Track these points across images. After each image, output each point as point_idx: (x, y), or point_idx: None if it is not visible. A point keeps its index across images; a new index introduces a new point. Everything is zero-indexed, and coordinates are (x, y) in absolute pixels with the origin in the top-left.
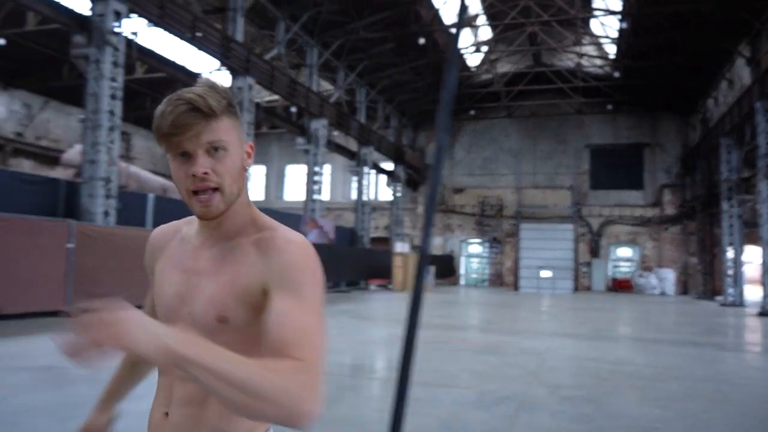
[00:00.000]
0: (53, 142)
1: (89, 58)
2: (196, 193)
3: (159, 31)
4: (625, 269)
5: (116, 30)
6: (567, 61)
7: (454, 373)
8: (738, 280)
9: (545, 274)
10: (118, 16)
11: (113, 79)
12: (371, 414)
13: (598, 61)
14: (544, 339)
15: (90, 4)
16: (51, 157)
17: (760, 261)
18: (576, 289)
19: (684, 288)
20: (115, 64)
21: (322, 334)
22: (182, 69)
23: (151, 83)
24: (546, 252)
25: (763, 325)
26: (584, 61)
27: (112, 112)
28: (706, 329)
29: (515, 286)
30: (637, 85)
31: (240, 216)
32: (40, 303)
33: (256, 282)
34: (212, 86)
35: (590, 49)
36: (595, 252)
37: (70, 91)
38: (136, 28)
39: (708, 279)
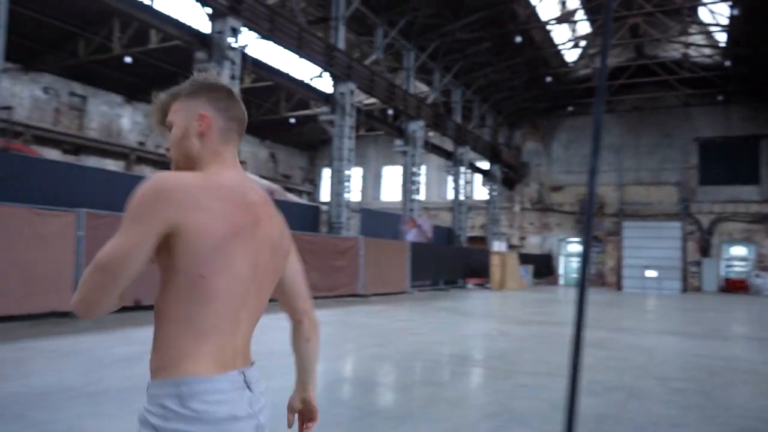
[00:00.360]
0: None
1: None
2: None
3: (266, 43)
4: (739, 269)
5: (233, 45)
6: (672, 51)
7: (561, 364)
8: None
9: (650, 273)
10: (234, 32)
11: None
12: (483, 397)
13: (707, 51)
14: (651, 336)
15: (209, 23)
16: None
17: None
18: (685, 289)
19: None
20: (232, 76)
21: (115, 246)
22: (287, 76)
23: (255, 91)
24: (651, 251)
25: None
26: (691, 51)
27: None
28: None
29: (618, 286)
30: (751, 74)
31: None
32: None
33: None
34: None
35: (698, 38)
36: (705, 251)
37: None
38: (247, 41)
39: None
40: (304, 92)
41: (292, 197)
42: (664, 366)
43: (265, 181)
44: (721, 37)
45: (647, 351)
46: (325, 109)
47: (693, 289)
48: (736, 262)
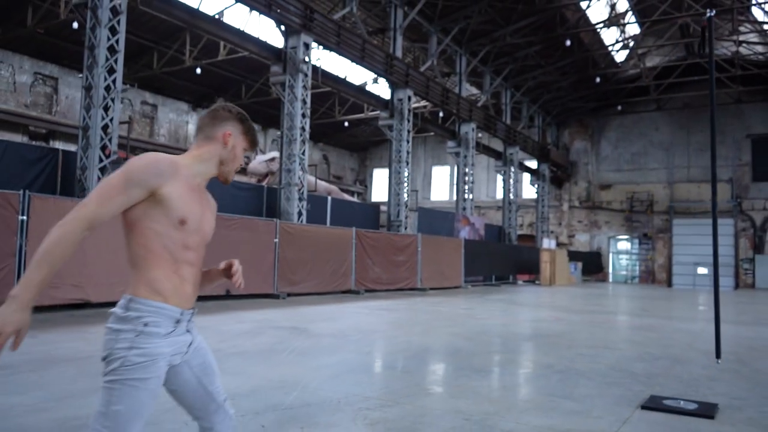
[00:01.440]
0: None
1: (285, 84)
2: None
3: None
4: None
5: (306, 59)
6: (723, 49)
7: (615, 342)
8: None
9: (702, 270)
10: (307, 47)
11: (304, 101)
12: (549, 360)
13: (760, 48)
14: (700, 323)
15: (283, 40)
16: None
17: None
18: (737, 286)
19: None
20: (304, 87)
21: (97, 194)
22: (351, 85)
23: (312, 97)
24: (702, 248)
25: None
26: (743, 49)
27: (303, 128)
28: None
29: (668, 283)
30: None
31: None
32: (255, 287)
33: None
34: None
35: (750, 36)
36: (758, 248)
37: (244, 109)
38: (317, 55)
39: None
40: (366, 99)
41: (347, 197)
42: (708, 344)
43: (324, 183)
44: None
45: (694, 333)
46: (384, 114)
47: (746, 286)
48: None
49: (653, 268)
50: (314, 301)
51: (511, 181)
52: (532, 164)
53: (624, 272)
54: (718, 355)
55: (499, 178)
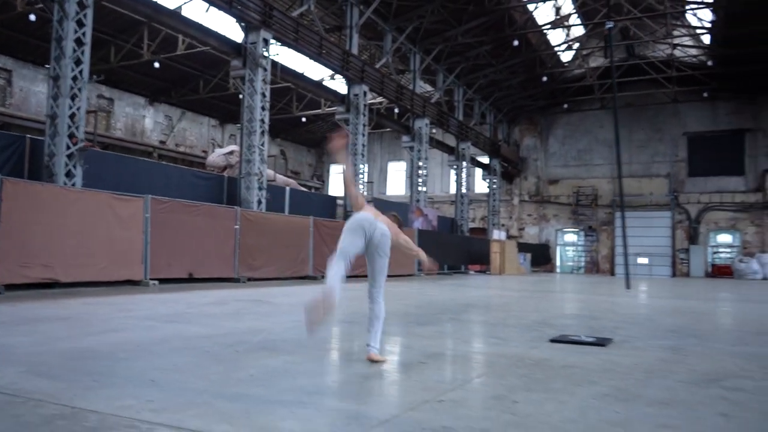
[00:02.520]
0: (189, 147)
1: (245, 78)
2: None
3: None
4: (725, 255)
5: (265, 54)
6: (660, 52)
7: (545, 308)
8: None
9: (642, 260)
10: (266, 43)
11: (263, 94)
12: (486, 318)
13: (693, 51)
14: (624, 297)
15: (243, 35)
16: (188, 161)
17: None
18: (674, 275)
19: None
20: (264, 81)
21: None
22: (309, 80)
23: (270, 92)
24: (643, 239)
25: None
26: (678, 52)
27: (263, 120)
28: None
29: (611, 273)
30: (734, 72)
31: None
32: (217, 271)
33: None
34: None
35: (684, 40)
36: (693, 239)
37: (202, 103)
38: (274, 50)
39: None
40: (323, 94)
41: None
42: (627, 310)
43: (282, 177)
44: (706, 38)
45: (617, 304)
46: (340, 108)
47: (682, 274)
48: (722, 249)
49: (597, 258)
50: (274, 284)
51: (464, 175)
52: (484, 160)
53: (570, 263)
54: (628, 286)
55: (453, 172)
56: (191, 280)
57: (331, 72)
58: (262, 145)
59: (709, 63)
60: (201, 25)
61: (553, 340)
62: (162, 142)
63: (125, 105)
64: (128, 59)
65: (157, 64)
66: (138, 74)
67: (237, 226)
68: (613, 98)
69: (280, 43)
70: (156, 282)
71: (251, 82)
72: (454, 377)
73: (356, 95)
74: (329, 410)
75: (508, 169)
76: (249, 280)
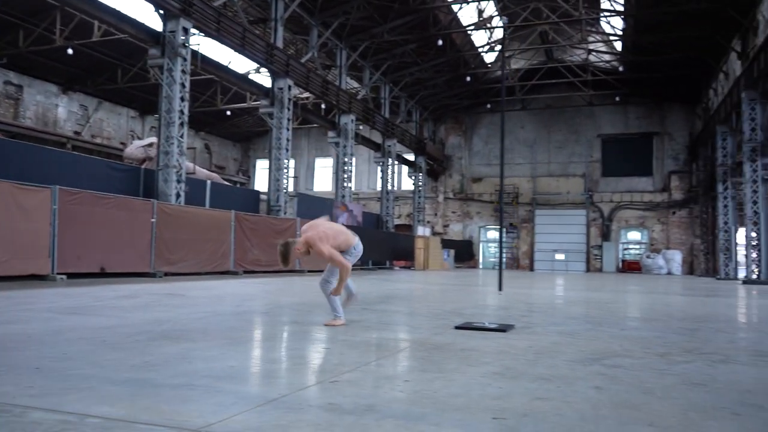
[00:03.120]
0: (106, 139)
1: (163, 67)
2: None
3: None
4: (634, 251)
5: (185, 44)
6: (576, 56)
7: (460, 299)
8: (732, 257)
9: (559, 256)
10: (186, 32)
11: (183, 85)
12: (402, 308)
13: (606, 56)
14: (538, 290)
15: (162, 23)
16: (105, 153)
17: (744, 237)
18: (588, 270)
19: (690, 268)
20: (183, 72)
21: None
22: (232, 73)
23: (192, 84)
24: (560, 236)
25: (739, 288)
26: (592, 57)
27: (182, 111)
28: (682, 288)
29: (531, 268)
30: (643, 78)
31: None
32: (131, 265)
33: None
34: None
35: (599, 45)
36: (605, 236)
37: (121, 93)
38: (196, 40)
39: (710, 258)
40: (246, 87)
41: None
42: (537, 300)
43: (205, 170)
44: (618, 45)
45: (529, 296)
46: (264, 102)
47: (595, 270)
48: (631, 246)
49: (518, 254)
50: (192, 278)
51: (390, 172)
52: (410, 157)
53: (493, 259)
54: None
55: (379, 169)
56: (103, 274)
57: (256, 65)
58: (182, 136)
59: (621, 69)
60: (117, 11)
61: (458, 327)
62: (77, 133)
63: (36, 93)
64: (39, 44)
65: (70, 51)
66: (50, 61)
67: (153, 220)
68: (501, 89)
69: (202, 34)
70: (64, 276)
71: (170, 72)
72: (353, 361)
73: (281, 89)
74: (218, 392)
75: (434, 167)
76: (166, 274)
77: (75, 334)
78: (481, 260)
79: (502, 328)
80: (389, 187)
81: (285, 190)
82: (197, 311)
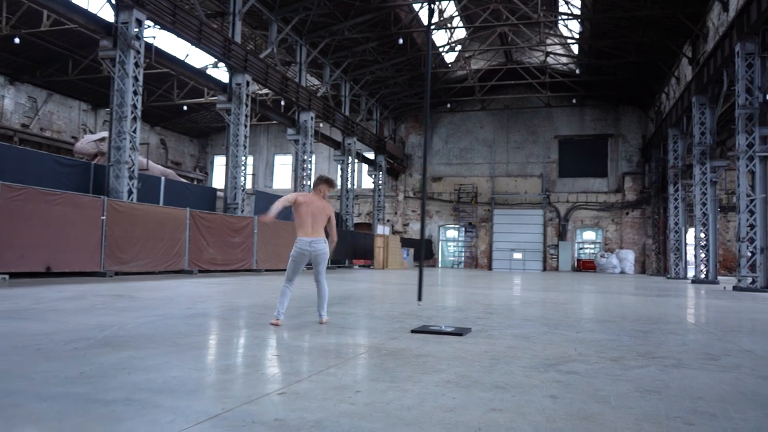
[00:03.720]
0: (56, 133)
1: (115, 59)
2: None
3: (169, 34)
4: (589, 251)
5: (138, 36)
6: (535, 58)
7: (404, 300)
8: (681, 256)
9: (517, 256)
10: (139, 24)
11: (136, 78)
12: (359, 309)
13: (563, 59)
14: (495, 290)
15: (114, 14)
16: (55, 147)
17: (693, 237)
18: (544, 269)
19: (642, 267)
20: (136, 64)
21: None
22: (188, 67)
23: (147, 77)
24: (517, 236)
25: (689, 288)
26: (550, 59)
27: (134, 106)
28: (635, 288)
29: (489, 267)
30: (599, 81)
31: None
32: (80, 264)
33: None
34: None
35: (556, 48)
36: (562, 235)
37: (72, 85)
38: (151, 33)
39: (661, 258)
40: (203, 82)
41: (185, 181)
42: (494, 301)
43: (160, 167)
44: (575, 48)
45: (487, 296)
46: (221, 97)
47: (551, 269)
48: (586, 245)
49: (476, 253)
50: (144, 278)
51: (350, 170)
52: (371, 155)
53: (452, 258)
54: (419, 298)
55: (339, 167)
56: (49, 274)
57: (214, 60)
58: (134, 131)
59: (578, 72)
60: (66, 0)
61: (414, 331)
62: (25, 126)
63: None
64: None
65: (17, 40)
66: None
67: (104, 217)
68: (425, 101)
69: (157, 26)
70: (6, 276)
71: (122, 65)
72: (304, 369)
73: (239, 85)
74: (155, 407)
75: (394, 166)
76: (117, 274)
77: (6, 342)
78: (440, 259)
79: (459, 332)
80: (349, 186)
81: (242, 188)
82: (145, 315)
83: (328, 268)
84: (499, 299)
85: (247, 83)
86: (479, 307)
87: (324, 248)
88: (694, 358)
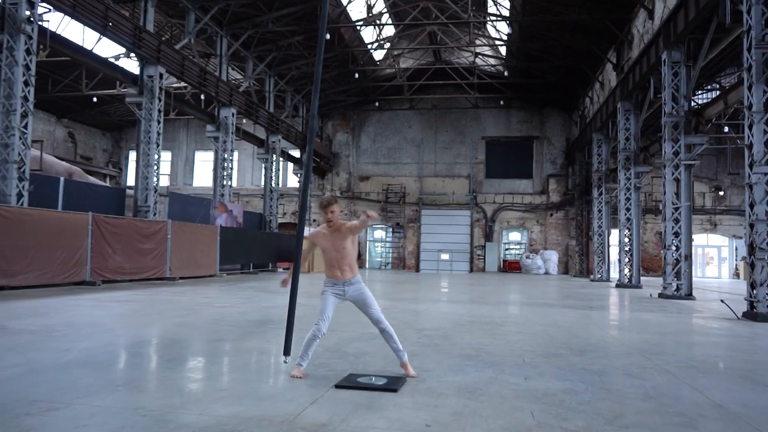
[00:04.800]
0: None
1: (2, 45)
2: (328, 221)
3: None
4: (514, 252)
5: (31, 19)
6: (464, 59)
7: (343, 324)
8: (605, 259)
9: (444, 256)
10: (31, 5)
11: (27, 66)
12: (267, 345)
13: (492, 60)
14: (425, 303)
15: None
16: None
17: (618, 240)
18: (471, 270)
19: (566, 268)
20: (28, 51)
21: (303, 247)
22: (92, 55)
23: (51, 65)
24: (445, 236)
25: (613, 293)
26: (479, 60)
27: (26, 98)
28: (564, 297)
29: (416, 268)
30: (525, 83)
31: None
32: None
33: (347, 236)
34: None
35: (485, 49)
36: (488, 236)
37: None
38: (49, 17)
39: (584, 259)
40: (111, 72)
41: (94, 179)
42: (425, 322)
43: (64, 163)
44: (503, 50)
45: (418, 313)
46: (132, 91)
47: (478, 269)
48: (512, 246)
49: (404, 254)
50: (35, 294)
51: (274, 169)
52: (296, 153)
53: (379, 259)
54: (286, 352)
55: (263, 166)
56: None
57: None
58: (25, 127)
59: (506, 73)
60: None
61: (338, 386)
62: None
63: None
64: None
65: None
66: None
67: None
68: (312, 92)
69: (53, 9)
70: None
71: (10, 51)
72: None
73: (150, 77)
74: None
75: (321, 164)
76: (3, 288)
77: None
78: (368, 260)
79: (392, 386)
80: (273, 185)
81: (155, 189)
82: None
83: (247, 272)
84: (430, 319)
85: (161, 75)
86: (411, 333)
87: (361, 288)
88: (669, 425)
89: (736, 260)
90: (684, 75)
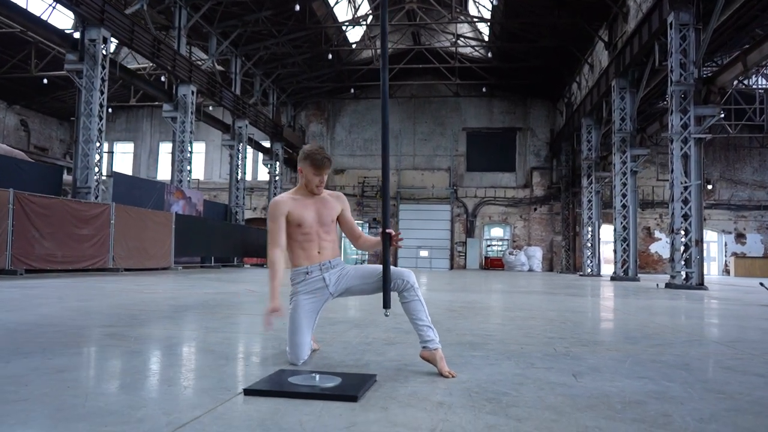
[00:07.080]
0: None
1: None
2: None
3: None
4: (497, 248)
5: None
6: (444, 41)
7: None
8: (595, 252)
9: (423, 253)
10: None
11: None
12: (182, 332)
13: (474, 43)
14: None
15: None
16: None
17: (613, 232)
18: (451, 267)
19: (550, 265)
20: None
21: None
22: (17, 8)
23: None
24: (424, 232)
25: (606, 286)
26: (460, 43)
27: None
28: (563, 286)
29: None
30: (509, 68)
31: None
32: None
33: (338, 208)
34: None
35: (467, 31)
36: (470, 232)
37: None
38: None
39: (570, 255)
40: (43, 32)
41: (19, 153)
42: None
43: (5, 146)
44: (486, 31)
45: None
46: (71, 56)
47: (459, 267)
48: (494, 242)
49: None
50: None
51: (240, 157)
52: (267, 143)
53: (355, 255)
54: (386, 305)
55: (229, 155)
56: None
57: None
58: None
59: (489, 54)
60: None
61: (248, 392)
62: None
63: None
64: None
65: None
66: None
67: None
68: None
69: None
70: None
71: None
72: None
73: (93, 41)
74: None
75: (293, 156)
76: None
77: None
78: (343, 257)
79: (348, 393)
80: (239, 175)
81: (97, 168)
82: None
83: (209, 266)
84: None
85: (105, 40)
86: (386, 319)
87: (346, 267)
88: None
89: (725, 256)
90: (693, 39)
